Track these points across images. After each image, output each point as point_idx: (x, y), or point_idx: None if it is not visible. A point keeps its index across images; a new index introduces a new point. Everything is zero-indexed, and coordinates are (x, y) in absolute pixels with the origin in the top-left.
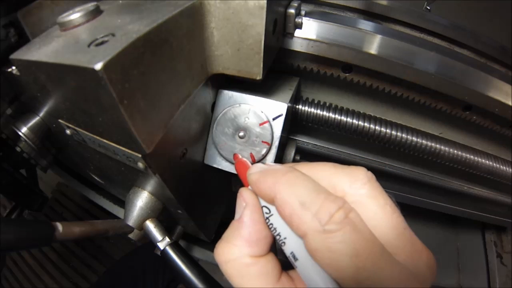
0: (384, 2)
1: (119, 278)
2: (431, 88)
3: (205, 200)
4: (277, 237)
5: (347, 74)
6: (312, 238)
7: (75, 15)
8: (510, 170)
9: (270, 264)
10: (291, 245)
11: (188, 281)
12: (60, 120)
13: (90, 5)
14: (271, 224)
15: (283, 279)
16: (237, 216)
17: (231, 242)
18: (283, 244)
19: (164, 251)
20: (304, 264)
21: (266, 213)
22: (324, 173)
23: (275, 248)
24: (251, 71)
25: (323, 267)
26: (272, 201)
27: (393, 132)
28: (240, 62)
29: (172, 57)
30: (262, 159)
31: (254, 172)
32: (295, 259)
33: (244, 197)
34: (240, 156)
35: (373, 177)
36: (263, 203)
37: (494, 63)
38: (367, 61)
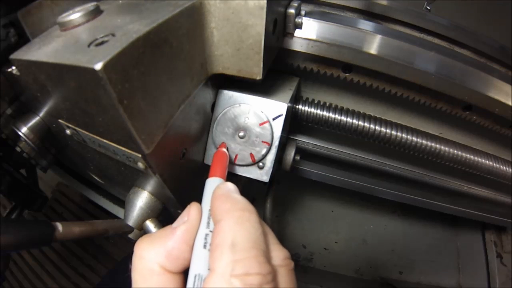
0: (384, 2)
1: (120, 280)
2: (431, 88)
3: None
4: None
5: (347, 74)
6: (214, 279)
7: (75, 15)
8: (510, 170)
9: (173, 282)
10: (200, 268)
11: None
12: (60, 120)
13: (90, 5)
14: (206, 236)
15: None
16: (175, 224)
17: (153, 244)
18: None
19: None
20: None
21: (207, 223)
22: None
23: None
24: (251, 71)
25: None
26: (215, 222)
27: (393, 132)
28: (240, 62)
29: (172, 57)
30: (262, 159)
31: (223, 188)
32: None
33: (190, 213)
34: (225, 149)
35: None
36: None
37: (494, 63)
38: (367, 61)
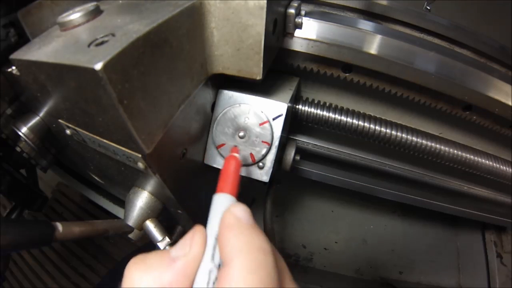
0: (384, 2)
1: (120, 280)
2: (431, 88)
3: (205, 200)
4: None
5: (347, 74)
6: None
7: (75, 15)
8: (510, 170)
9: None
10: None
11: None
12: (60, 120)
13: (90, 5)
14: (210, 272)
15: None
16: (174, 251)
17: (148, 272)
18: None
19: None
20: None
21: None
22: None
23: None
24: (251, 71)
25: None
26: (224, 262)
27: (393, 132)
28: (240, 62)
29: (172, 57)
30: (262, 159)
31: (235, 215)
32: None
33: (193, 243)
34: (239, 156)
35: None
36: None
37: (494, 63)
38: (367, 61)
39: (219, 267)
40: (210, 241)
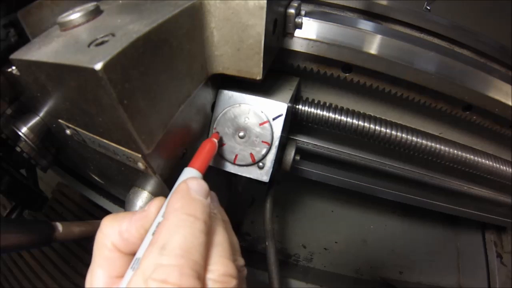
0: (384, 2)
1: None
2: (431, 88)
3: None
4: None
5: (347, 74)
6: (136, 276)
7: (75, 15)
8: (510, 170)
9: (120, 261)
10: (141, 253)
11: None
12: (60, 120)
13: (90, 5)
14: (159, 224)
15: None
16: (138, 212)
17: (113, 221)
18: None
19: None
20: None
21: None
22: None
23: None
24: (251, 71)
25: None
26: (164, 218)
27: (393, 132)
28: (240, 62)
29: (172, 57)
30: (262, 159)
31: (187, 184)
32: (132, 265)
33: (150, 206)
34: (216, 140)
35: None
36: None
37: (494, 63)
38: (367, 61)
39: None
40: (167, 202)
